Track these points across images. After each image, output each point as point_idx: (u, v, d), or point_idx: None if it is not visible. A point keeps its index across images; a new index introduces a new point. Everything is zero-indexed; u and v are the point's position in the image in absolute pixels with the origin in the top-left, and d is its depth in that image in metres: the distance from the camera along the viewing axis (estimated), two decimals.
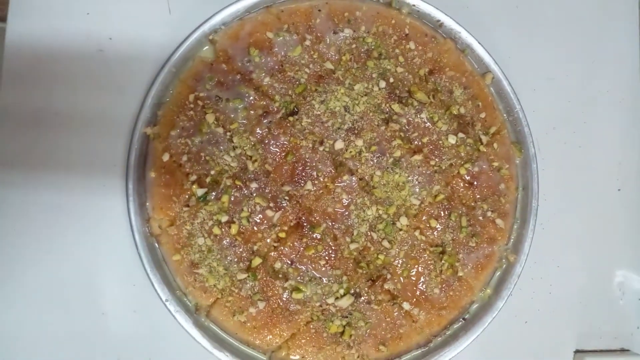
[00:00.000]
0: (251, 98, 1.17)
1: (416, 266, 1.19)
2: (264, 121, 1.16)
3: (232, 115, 1.16)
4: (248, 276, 1.13)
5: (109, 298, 1.18)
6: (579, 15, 1.43)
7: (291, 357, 1.16)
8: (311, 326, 1.15)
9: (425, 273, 1.19)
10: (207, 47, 1.22)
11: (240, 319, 1.12)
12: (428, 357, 1.22)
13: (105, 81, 1.23)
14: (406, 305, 1.17)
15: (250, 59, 1.18)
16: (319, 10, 1.21)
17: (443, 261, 1.19)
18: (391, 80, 1.22)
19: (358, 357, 1.17)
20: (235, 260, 1.13)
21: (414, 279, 1.19)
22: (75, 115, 1.23)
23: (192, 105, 1.16)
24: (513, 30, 1.39)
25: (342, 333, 1.15)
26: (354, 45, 1.22)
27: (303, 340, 1.15)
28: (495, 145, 1.25)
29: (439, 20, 1.29)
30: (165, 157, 1.14)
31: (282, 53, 1.19)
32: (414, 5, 1.26)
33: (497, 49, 1.33)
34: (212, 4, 1.21)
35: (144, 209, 1.16)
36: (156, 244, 1.17)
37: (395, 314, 1.18)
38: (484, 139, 1.24)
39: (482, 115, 1.26)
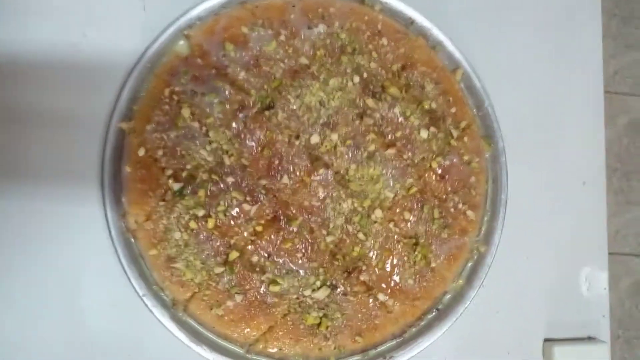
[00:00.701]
0: (227, 92, 1.18)
1: (390, 257, 1.21)
2: (240, 115, 1.17)
3: (208, 110, 1.17)
4: (225, 270, 1.14)
5: (86, 294, 1.19)
6: (546, 17, 1.49)
7: (269, 350, 1.18)
8: (288, 318, 1.17)
9: (399, 264, 1.22)
10: (182, 42, 1.22)
11: (217, 313, 1.13)
12: (403, 347, 1.25)
13: (78, 78, 1.23)
14: (381, 296, 1.20)
15: (226, 53, 1.19)
16: (293, 6, 1.23)
17: (416, 252, 1.22)
18: (365, 75, 1.25)
19: (335, 348, 1.19)
20: (212, 254, 1.14)
21: (388, 270, 1.22)
22: (47, 113, 1.23)
23: (167, 100, 1.16)
24: (483, 30, 1.45)
25: (319, 325, 1.17)
26: (328, 41, 1.25)
27: (280, 333, 1.17)
28: (465, 139, 1.29)
29: (410, 18, 1.32)
30: (141, 152, 1.14)
31: (257, 48, 1.21)
32: (385, 3, 1.29)
33: (467, 48, 1.37)
34: (186, 0, 1.21)
35: (120, 205, 1.16)
36: (132, 239, 1.15)
37: (371, 304, 1.20)
38: (455, 133, 1.28)
39: (453, 110, 1.30)
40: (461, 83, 1.36)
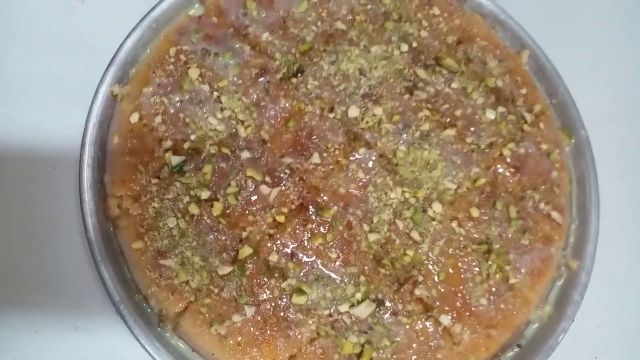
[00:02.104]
0: (245, 54, 0.95)
1: (456, 267, 0.89)
2: (261, 80, 0.93)
3: (221, 73, 0.93)
4: (233, 271, 0.84)
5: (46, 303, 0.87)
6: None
7: None
8: (317, 344, 0.85)
9: (468, 277, 0.90)
10: (197, 5, 1.01)
11: (219, 331, 0.83)
12: None
13: (75, 42, 1.03)
14: (444, 320, 0.87)
15: (247, 12, 0.98)
16: None
17: (490, 262, 0.91)
18: (414, 44, 1.03)
19: None
20: (217, 249, 0.85)
21: (454, 283, 0.89)
22: (36, 79, 1.04)
23: (172, 60, 0.95)
24: (550, 9, 1.21)
25: (360, 355, 0.83)
26: (369, 6, 1.04)
27: None
28: (541, 125, 1.04)
29: None
30: (134, 118, 0.90)
31: (285, 8, 0.99)
32: None
33: (532, 29, 1.13)
34: None
35: (102, 187, 0.88)
36: (112, 229, 0.87)
37: (431, 331, 0.87)
38: (528, 117, 1.02)
39: (523, 91, 1.05)
40: (527, 66, 1.11)
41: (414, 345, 0.88)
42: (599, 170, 1.06)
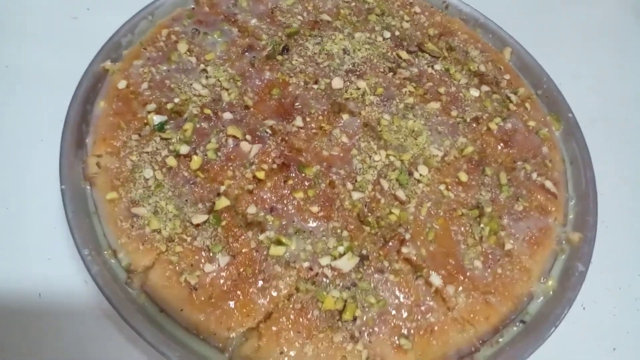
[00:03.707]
0: (233, 35, 1.00)
1: (446, 228, 0.84)
2: (247, 55, 0.95)
3: (209, 48, 0.96)
4: (208, 220, 0.79)
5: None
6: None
7: (262, 354, 0.74)
8: (296, 299, 0.76)
9: (459, 239, 0.84)
10: (192, 7, 1.07)
11: (190, 281, 0.75)
12: None
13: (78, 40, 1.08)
14: (435, 279, 0.80)
15: (237, 3, 1.04)
16: None
17: (482, 225, 0.85)
18: (397, 33, 1.06)
19: (368, 358, 0.74)
20: (193, 200, 0.81)
21: (444, 245, 0.83)
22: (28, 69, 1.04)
23: (164, 39, 0.98)
24: (528, 13, 1.26)
25: (343, 310, 0.75)
26: (353, 3, 1.09)
27: (282, 325, 0.75)
28: (527, 105, 1.02)
29: (444, 2, 1.17)
30: (122, 84, 0.92)
31: (273, 1, 1.05)
32: None
33: (513, 31, 1.18)
34: None
35: (83, 149, 0.88)
36: (89, 188, 0.84)
37: (422, 290, 0.79)
38: (513, 98, 1.02)
39: (507, 77, 1.05)
40: (511, 63, 1.13)
41: (403, 306, 0.79)
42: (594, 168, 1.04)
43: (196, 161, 0.85)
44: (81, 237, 0.80)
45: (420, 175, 0.90)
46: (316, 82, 0.97)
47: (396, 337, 0.77)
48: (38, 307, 0.84)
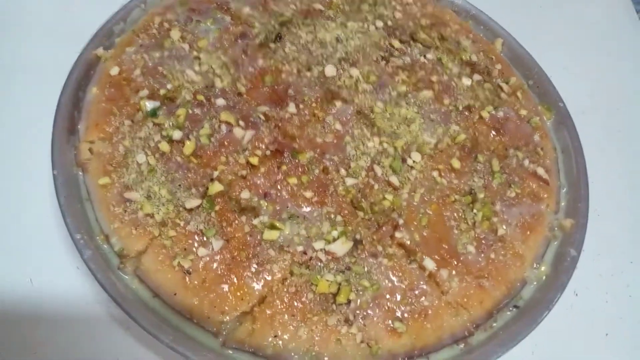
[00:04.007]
0: (226, 22, 1.01)
1: (439, 214, 0.84)
2: (239, 42, 0.95)
3: (202, 36, 0.96)
4: (201, 204, 0.78)
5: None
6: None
7: (257, 338, 0.74)
8: (290, 283, 0.76)
9: (452, 225, 0.84)
10: None
11: (183, 264, 0.75)
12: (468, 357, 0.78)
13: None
14: (429, 264, 0.80)
15: None
16: None
17: (475, 211, 0.86)
18: (389, 23, 1.07)
19: (362, 342, 0.74)
20: (186, 185, 0.81)
21: (437, 230, 0.83)
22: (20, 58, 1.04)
23: (156, 27, 0.97)
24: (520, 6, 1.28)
25: (337, 294, 0.75)
26: None
27: (277, 308, 0.74)
28: (519, 94, 1.03)
29: None
30: (114, 71, 0.92)
31: None
32: None
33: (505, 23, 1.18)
34: None
35: (75, 135, 0.87)
36: (81, 174, 0.83)
37: (415, 275, 0.79)
38: (505, 87, 1.03)
39: (498, 67, 1.06)
40: (502, 54, 1.14)
41: (397, 289, 0.79)
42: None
43: (189, 146, 0.85)
44: (73, 222, 0.79)
45: (414, 161, 0.91)
46: (309, 70, 0.98)
47: (390, 321, 0.77)
48: (29, 292, 0.83)
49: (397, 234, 0.83)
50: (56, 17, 1.14)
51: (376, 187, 0.87)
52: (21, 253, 0.86)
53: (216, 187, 0.82)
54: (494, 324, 0.84)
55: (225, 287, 0.76)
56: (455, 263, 0.83)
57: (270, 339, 0.75)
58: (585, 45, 1.31)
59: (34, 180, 0.93)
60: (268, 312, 0.76)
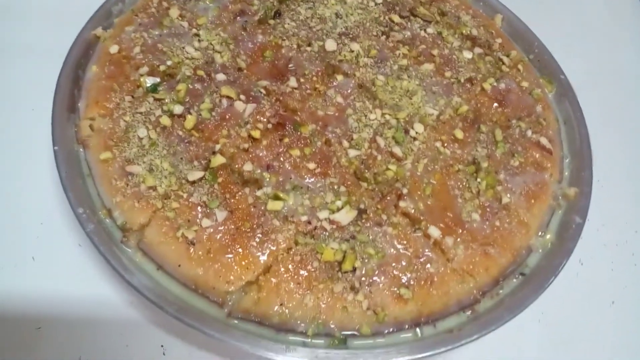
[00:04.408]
0: (226, 0, 0.98)
1: (443, 183, 0.84)
2: (238, 19, 0.95)
3: (201, 14, 0.96)
4: (204, 177, 0.78)
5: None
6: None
7: (263, 307, 0.73)
8: (295, 252, 0.75)
9: (456, 193, 0.84)
10: None
11: (187, 235, 0.74)
12: (476, 327, 0.78)
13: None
14: (434, 231, 0.80)
15: None
16: None
17: (479, 180, 0.85)
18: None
19: (368, 309, 0.74)
20: (188, 158, 0.81)
21: (441, 199, 0.83)
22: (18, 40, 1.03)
23: (155, 5, 0.97)
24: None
25: (343, 261, 0.74)
26: None
27: (282, 277, 0.74)
28: (520, 67, 1.03)
29: None
30: (114, 49, 0.92)
31: None
32: None
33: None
34: None
35: (75, 113, 0.87)
36: (82, 150, 0.83)
37: (421, 242, 0.79)
38: (506, 60, 1.02)
39: (499, 40, 1.06)
40: (502, 29, 1.14)
41: (402, 257, 0.79)
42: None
43: (190, 120, 0.85)
44: (75, 197, 0.79)
45: (416, 132, 0.90)
46: (309, 45, 0.97)
47: (396, 287, 0.77)
48: (32, 270, 0.83)
49: (402, 203, 0.83)
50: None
51: (379, 158, 0.87)
52: (23, 231, 0.86)
53: (218, 160, 0.81)
54: (501, 291, 0.84)
55: (230, 257, 0.75)
56: (460, 231, 0.83)
57: (276, 308, 0.75)
58: (584, 20, 1.31)
59: (35, 159, 0.93)
60: (273, 280, 0.75)
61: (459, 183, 0.87)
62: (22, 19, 1.12)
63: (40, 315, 0.80)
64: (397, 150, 0.87)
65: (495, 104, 0.98)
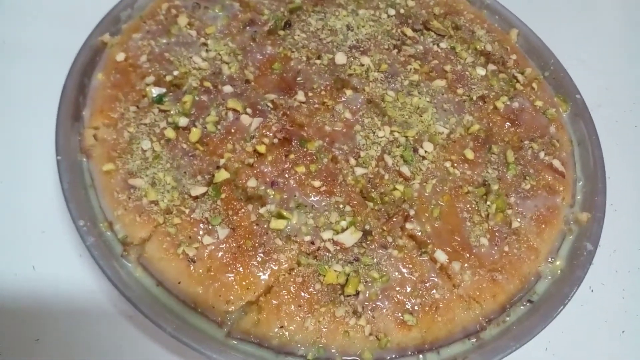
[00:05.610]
0: (235, 9, 0.99)
1: (452, 205, 0.82)
2: (248, 29, 0.94)
3: (210, 23, 0.95)
4: (207, 192, 0.77)
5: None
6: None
7: (262, 329, 0.72)
8: (297, 273, 0.74)
9: (465, 217, 0.82)
10: None
11: (188, 253, 0.73)
12: (481, 355, 0.77)
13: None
14: (440, 256, 0.78)
15: None
16: None
17: (489, 203, 0.83)
18: (402, 11, 1.05)
19: (371, 335, 0.73)
20: (192, 172, 0.80)
21: (449, 222, 0.81)
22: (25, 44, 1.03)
23: (163, 13, 0.96)
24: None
25: (346, 285, 0.73)
26: None
27: (283, 298, 0.73)
28: (534, 85, 1.01)
29: None
30: (120, 57, 0.91)
31: None
32: None
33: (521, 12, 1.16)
34: None
35: (80, 121, 0.86)
36: (85, 160, 0.83)
37: (427, 267, 0.77)
38: (520, 77, 1.00)
39: (513, 57, 1.04)
40: (517, 44, 1.12)
41: (407, 281, 0.77)
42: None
43: (195, 133, 0.84)
44: (76, 208, 0.78)
45: (426, 152, 0.89)
46: (319, 58, 0.96)
47: (400, 313, 0.76)
48: (32, 279, 0.82)
49: (408, 225, 0.81)
50: (63, 3, 1.13)
51: (386, 177, 0.86)
52: (24, 240, 0.86)
53: (222, 175, 0.80)
54: (507, 319, 0.82)
55: (231, 276, 0.74)
56: (468, 256, 0.81)
57: (276, 330, 0.74)
58: (601, 37, 1.28)
59: (38, 167, 0.92)
60: (274, 302, 0.74)
61: (468, 205, 0.85)
62: (30, 20, 1.11)
63: (38, 327, 0.79)
64: (405, 170, 0.86)
65: (508, 124, 0.97)
